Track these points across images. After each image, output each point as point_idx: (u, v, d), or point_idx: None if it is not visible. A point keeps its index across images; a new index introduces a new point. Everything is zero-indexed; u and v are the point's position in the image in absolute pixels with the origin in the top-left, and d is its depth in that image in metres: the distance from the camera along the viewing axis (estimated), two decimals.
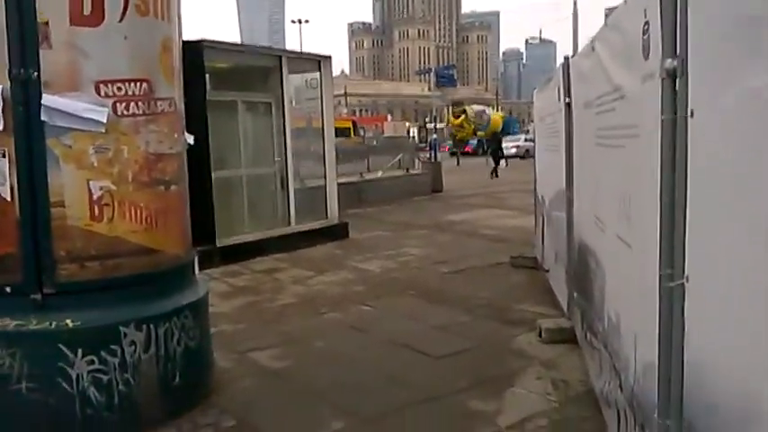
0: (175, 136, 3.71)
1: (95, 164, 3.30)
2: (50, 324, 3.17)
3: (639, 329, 2.30)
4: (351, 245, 9.19)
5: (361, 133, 32.81)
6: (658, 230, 1.93)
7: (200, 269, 7.58)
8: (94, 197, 3.29)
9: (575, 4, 26.46)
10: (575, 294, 4.42)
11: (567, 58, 4.68)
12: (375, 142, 22.17)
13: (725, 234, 1.62)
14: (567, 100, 4.55)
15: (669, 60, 1.93)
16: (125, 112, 3.37)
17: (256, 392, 3.90)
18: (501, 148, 25.57)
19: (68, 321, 3.19)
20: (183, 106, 3.93)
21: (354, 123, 35.92)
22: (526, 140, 36.47)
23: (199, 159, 7.73)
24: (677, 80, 1.91)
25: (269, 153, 9.09)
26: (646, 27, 2.21)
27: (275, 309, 5.85)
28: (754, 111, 1.46)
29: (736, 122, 1.57)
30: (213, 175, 7.70)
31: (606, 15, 3.93)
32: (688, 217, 1.81)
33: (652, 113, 2.06)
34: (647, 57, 2.19)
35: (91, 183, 3.28)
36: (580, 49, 4.86)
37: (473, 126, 47.04)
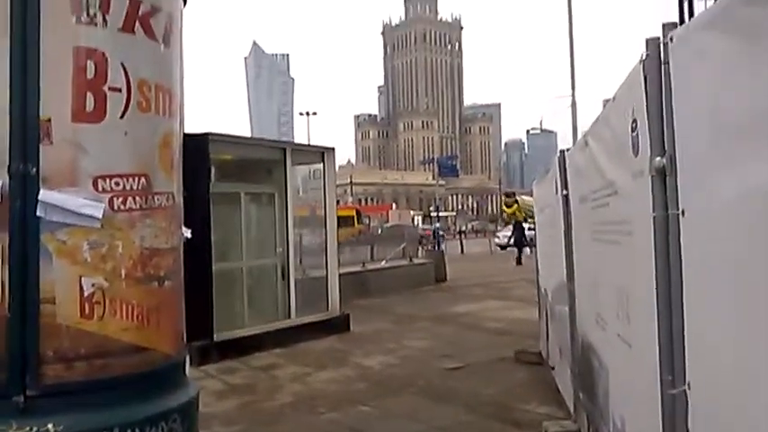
0: (172, 230, 3.70)
1: (89, 259, 3.26)
2: (31, 429, 3.03)
3: None
4: (352, 338, 9.01)
5: (366, 222, 33.05)
6: (657, 332, 1.85)
7: (197, 365, 7.41)
8: (86, 294, 3.23)
9: (573, 96, 27.23)
10: (580, 395, 4.25)
11: (562, 152, 4.74)
12: (379, 231, 22.27)
13: (726, 337, 1.55)
14: (565, 192, 4.57)
15: (658, 158, 1.93)
16: (121, 207, 3.37)
17: None
18: (525, 236, 25.55)
19: (50, 426, 3.04)
20: (181, 199, 3.95)
21: (358, 212, 36.25)
22: (530, 229, 36.56)
23: (199, 251, 7.74)
24: (667, 178, 1.90)
25: (271, 244, 9.10)
26: (634, 124, 2.23)
27: (272, 409, 5.64)
28: (747, 209, 1.42)
29: (729, 220, 1.53)
30: (213, 267, 7.67)
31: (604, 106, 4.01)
32: (686, 319, 1.74)
33: (644, 210, 2.03)
34: (636, 154, 2.20)
35: (83, 279, 3.23)
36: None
37: (524, 214, 47.14)
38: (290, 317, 8.91)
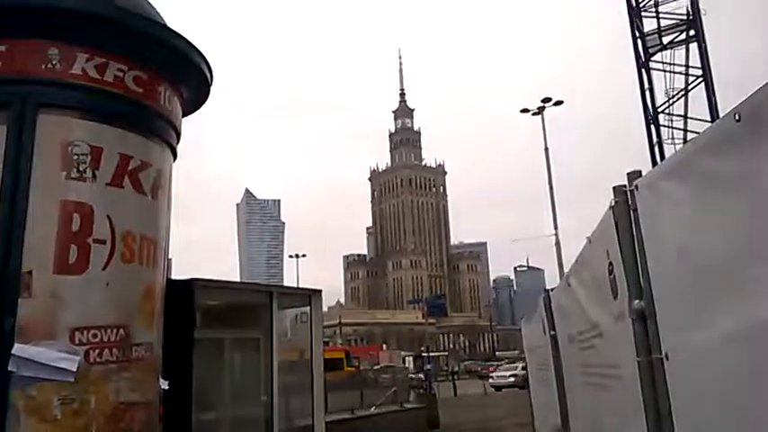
0: (150, 383, 3.58)
1: (58, 416, 3.11)
2: None
3: None
4: None
5: (355, 364, 32.12)
6: None
7: None
8: None
9: (556, 235, 27.92)
10: None
11: (547, 291, 4.76)
12: (370, 374, 21.64)
13: None
14: (553, 333, 4.52)
15: (636, 302, 1.93)
16: (97, 359, 3.28)
17: None
18: None
19: None
20: (160, 349, 3.85)
21: (347, 353, 35.34)
22: (523, 369, 35.71)
23: (179, 402, 7.41)
24: (647, 320, 1.89)
25: (254, 392, 8.75)
26: (610, 267, 2.26)
27: None
28: (728, 352, 1.41)
29: (711, 365, 1.51)
30: (194, 417, 7.30)
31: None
32: None
33: (629, 354, 2.00)
34: (615, 296, 2.21)
35: None
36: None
37: None
38: None
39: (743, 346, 1.34)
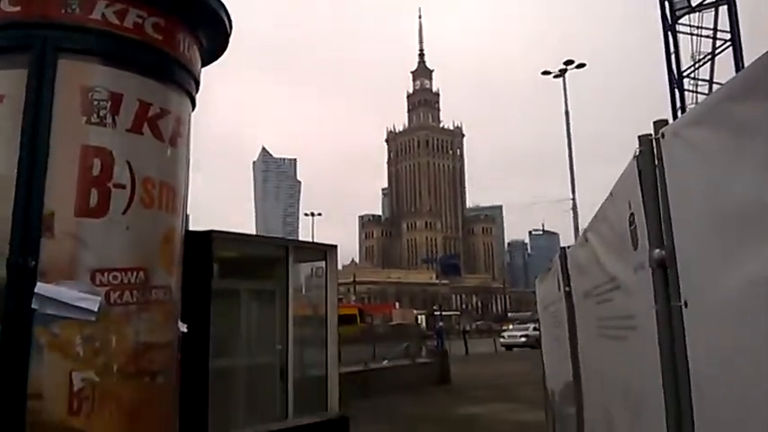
0: (169, 325, 3.65)
1: (81, 354, 3.20)
2: None
3: None
4: None
5: (368, 321, 32.54)
6: (666, 430, 1.77)
7: None
8: (75, 389, 3.14)
9: (573, 200, 27.75)
10: None
11: (563, 249, 4.74)
12: (381, 330, 21.93)
13: (737, 429, 1.47)
14: (567, 289, 4.52)
15: (657, 251, 1.91)
16: (118, 301, 3.34)
17: None
18: None
19: None
20: (179, 294, 3.92)
21: (361, 311, 35.79)
22: (535, 329, 36.01)
23: (197, 348, 7.58)
24: (668, 270, 1.88)
25: (270, 341, 8.92)
26: (631, 218, 2.23)
27: None
28: (750, 299, 1.40)
29: (733, 311, 1.50)
30: (210, 364, 7.47)
31: None
32: (695, 414, 1.66)
33: (647, 304, 2.00)
34: (635, 247, 2.19)
35: (74, 374, 3.15)
36: None
37: None
38: (286, 418, 8.58)
39: (764, 292, 1.33)
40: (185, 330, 4.02)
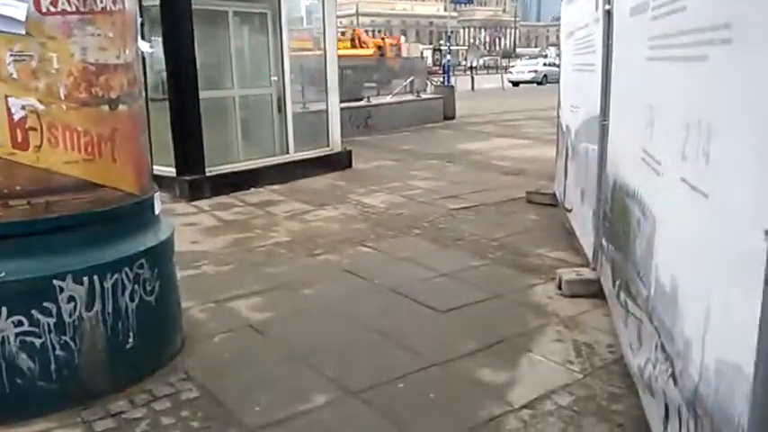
0: (124, 42, 3.00)
1: (15, 75, 2.62)
2: None
3: (717, 311, 1.67)
4: (354, 176, 8.53)
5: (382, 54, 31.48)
6: (759, 176, 1.27)
7: (189, 200, 7.00)
8: (15, 118, 2.63)
9: None
10: (603, 243, 3.78)
11: None
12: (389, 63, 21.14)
13: None
14: (608, 7, 3.76)
15: None
16: (51, 9, 2.66)
17: (230, 353, 3.35)
18: None
19: None
20: (135, 7, 3.21)
21: (381, 48, 34.44)
22: (545, 65, 34.92)
23: (184, 77, 6.99)
24: None
25: (264, 72, 8.29)
26: None
27: (265, 248, 5.28)
28: None
29: None
30: (201, 95, 6.96)
31: None
32: None
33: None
34: None
35: (10, 100, 2.62)
36: None
37: None
38: (287, 152, 8.37)
39: None
40: (148, 50, 3.39)
